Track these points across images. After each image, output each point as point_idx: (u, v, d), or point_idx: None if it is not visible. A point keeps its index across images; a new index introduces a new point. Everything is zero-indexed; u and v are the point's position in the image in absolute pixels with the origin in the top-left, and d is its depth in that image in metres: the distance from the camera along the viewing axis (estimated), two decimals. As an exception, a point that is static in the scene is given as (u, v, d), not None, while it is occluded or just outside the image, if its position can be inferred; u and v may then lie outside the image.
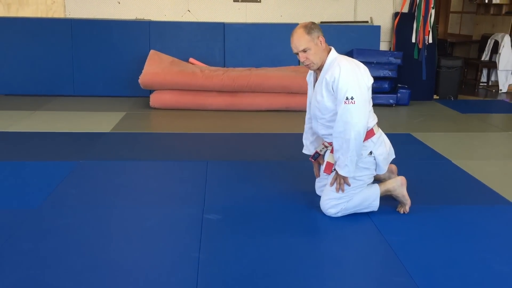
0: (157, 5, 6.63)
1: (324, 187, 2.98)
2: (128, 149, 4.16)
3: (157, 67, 5.79)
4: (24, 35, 6.29)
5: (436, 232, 2.73)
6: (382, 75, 6.06)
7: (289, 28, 6.49)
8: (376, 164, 2.89)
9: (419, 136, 4.74)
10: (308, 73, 3.02)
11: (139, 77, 5.75)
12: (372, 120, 2.88)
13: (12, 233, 2.59)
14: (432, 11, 6.20)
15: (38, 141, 4.36)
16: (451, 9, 9.29)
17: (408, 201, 2.96)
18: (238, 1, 6.70)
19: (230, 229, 2.72)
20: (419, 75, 6.31)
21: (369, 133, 2.82)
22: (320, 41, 2.77)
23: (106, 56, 6.35)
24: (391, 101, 6.11)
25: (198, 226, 2.72)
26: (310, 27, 2.76)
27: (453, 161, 3.97)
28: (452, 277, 2.28)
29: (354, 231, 2.75)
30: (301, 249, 2.53)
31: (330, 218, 2.87)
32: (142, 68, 5.84)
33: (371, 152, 2.85)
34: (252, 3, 6.71)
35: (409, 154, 4.16)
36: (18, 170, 3.57)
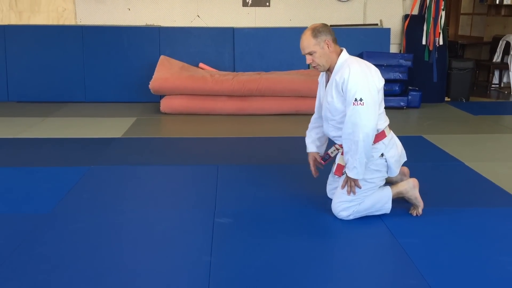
0: (166, 11, 6.67)
1: (335, 189, 2.96)
2: (139, 154, 4.17)
3: (167, 72, 5.81)
4: (36, 42, 6.36)
5: (449, 235, 2.70)
6: (392, 77, 6.02)
7: (298, 32, 6.48)
8: (388, 167, 2.86)
9: (431, 138, 4.69)
10: (320, 74, 3.02)
11: (150, 82, 5.77)
12: (384, 122, 2.86)
13: (25, 237, 2.60)
14: (443, 13, 6.17)
15: (49, 147, 4.39)
16: (462, 11, 9.23)
17: (421, 203, 2.93)
18: (247, 6, 6.71)
19: (241, 233, 2.71)
20: (430, 77, 6.27)
21: (381, 135, 2.80)
22: (327, 44, 2.77)
23: (116, 62, 6.39)
24: (402, 103, 6.07)
25: (209, 230, 2.72)
26: (317, 30, 2.76)
27: (466, 163, 3.93)
28: (466, 280, 2.24)
29: (367, 234, 2.72)
30: (313, 253, 2.51)
31: (342, 221, 2.85)
32: (152, 74, 5.86)
33: (382, 154, 2.82)
34: (261, 7, 6.72)
35: (421, 157, 4.13)
36: (30, 176, 3.60)
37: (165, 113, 5.73)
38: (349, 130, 2.70)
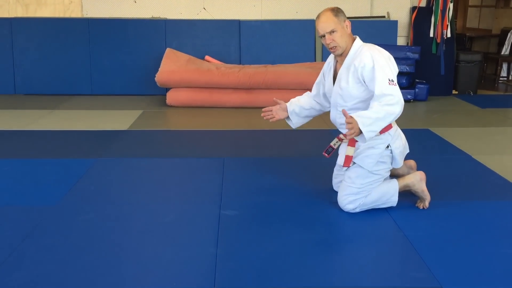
0: (172, 3, 6.66)
1: (340, 183, 2.95)
2: (145, 147, 4.18)
3: (173, 65, 5.81)
4: (43, 35, 6.37)
5: (457, 228, 2.69)
6: (399, 70, 5.98)
7: (305, 24, 6.52)
8: (393, 158, 2.85)
9: (438, 131, 4.67)
10: (326, 62, 3.00)
11: (156, 75, 5.78)
12: None
13: (32, 229, 2.62)
14: (450, 5, 6.12)
15: (57, 139, 4.41)
16: (470, 3, 9.15)
17: (427, 196, 2.92)
18: (254, -2, 6.68)
19: (247, 225, 2.72)
20: (438, 70, 6.23)
21: (387, 126, 2.78)
22: (347, 25, 2.79)
23: (122, 55, 6.39)
24: (409, 96, 6.04)
25: (215, 222, 2.72)
26: (337, 10, 2.78)
27: (473, 156, 3.90)
28: (473, 273, 2.23)
29: (373, 227, 2.72)
30: (319, 245, 2.51)
31: (348, 213, 2.85)
32: (159, 67, 5.86)
33: (388, 146, 2.81)
34: (267, -1, 6.70)
35: (428, 150, 4.11)
36: (37, 168, 3.61)
37: (171, 106, 5.74)
38: (387, 102, 2.61)
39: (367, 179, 2.81)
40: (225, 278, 2.19)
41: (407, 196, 2.98)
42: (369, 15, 6.71)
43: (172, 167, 3.71)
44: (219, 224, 2.70)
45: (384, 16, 6.70)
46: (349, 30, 2.80)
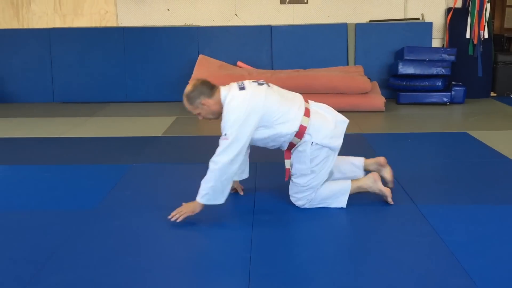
0: (205, 10, 6.73)
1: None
2: (179, 152, 4.23)
3: (205, 71, 5.86)
4: (79, 44, 6.54)
5: (496, 233, 2.60)
6: (435, 72, 5.87)
7: (337, 28, 6.48)
8: (325, 146, 2.82)
9: (476, 134, 4.54)
10: None
11: (188, 82, 5.83)
12: (296, 121, 2.78)
13: (70, 233, 2.67)
14: (487, 5, 5.97)
15: (93, 145, 4.51)
16: (508, 3, 8.88)
17: (386, 193, 2.93)
18: (285, 3, 6.69)
19: (281, 229, 2.70)
20: (475, 72, 6.07)
21: (301, 129, 2.78)
22: (204, 104, 2.78)
23: (156, 63, 6.49)
24: (445, 99, 5.91)
25: (249, 226, 2.72)
26: (191, 97, 2.79)
27: (513, 160, 3.78)
28: (516, 279, 2.15)
29: (410, 231, 2.66)
30: (354, 250, 2.47)
31: (384, 219, 2.79)
32: (191, 73, 5.93)
33: (312, 143, 2.80)
34: (299, 4, 6.69)
35: (466, 153, 4.00)
36: (75, 173, 3.70)
37: (204, 112, 5.78)
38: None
39: (308, 176, 2.84)
40: (259, 282, 2.17)
41: (445, 200, 2.91)
42: (402, 17, 6.61)
43: (205, 172, 3.72)
44: (253, 229, 2.69)
45: (418, 18, 6.59)
46: (210, 104, 2.78)
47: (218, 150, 2.74)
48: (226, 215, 2.91)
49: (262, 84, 2.86)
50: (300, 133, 2.79)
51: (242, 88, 2.80)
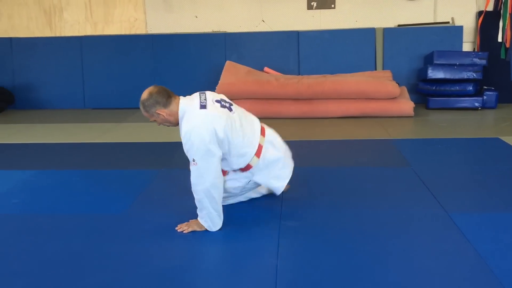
0: (232, 17, 6.77)
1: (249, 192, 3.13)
2: (207, 158, 4.24)
3: (233, 77, 5.89)
4: (110, 51, 6.68)
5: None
6: (465, 77, 5.76)
7: (364, 33, 6.43)
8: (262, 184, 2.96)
9: (509, 140, 4.42)
10: None
11: (216, 87, 5.88)
12: (248, 154, 2.81)
13: (99, 236, 2.72)
14: (520, 8, 5.82)
15: (122, 151, 4.58)
16: (542, 5, 8.66)
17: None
18: (312, 9, 6.68)
19: (308, 236, 2.68)
20: (507, 76, 5.93)
21: (247, 167, 2.85)
22: (159, 113, 2.71)
23: (184, 69, 6.57)
24: (476, 104, 5.79)
25: (276, 233, 2.71)
26: (146, 105, 2.71)
27: (548, 166, 3.67)
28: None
29: (440, 239, 2.61)
30: (382, 258, 2.43)
31: (412, 226, 2.75)
32: (219, 79, 5.97)
33: (250, 181, 2.92)
34: (326, 9, 6.67)
35: (498, 159, 3.90)
36: (104, 178, 3.76)
37: (232, 117, 5.81)
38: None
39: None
40: (286, 289, 2.16)
41: (477, 207, 2.84)
42: (432, 21, 6.52)
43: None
44: (280, 235, 2.69)
45: (448, 22, 6.48)
46: (166, 114, 2.72)
47: (193, 179, 2.68)
48: (253, 219, 2.91)
49: (224, 106, 2.80)
50: (245, 169, 2.87)
51: (203, 106, 2.72)
